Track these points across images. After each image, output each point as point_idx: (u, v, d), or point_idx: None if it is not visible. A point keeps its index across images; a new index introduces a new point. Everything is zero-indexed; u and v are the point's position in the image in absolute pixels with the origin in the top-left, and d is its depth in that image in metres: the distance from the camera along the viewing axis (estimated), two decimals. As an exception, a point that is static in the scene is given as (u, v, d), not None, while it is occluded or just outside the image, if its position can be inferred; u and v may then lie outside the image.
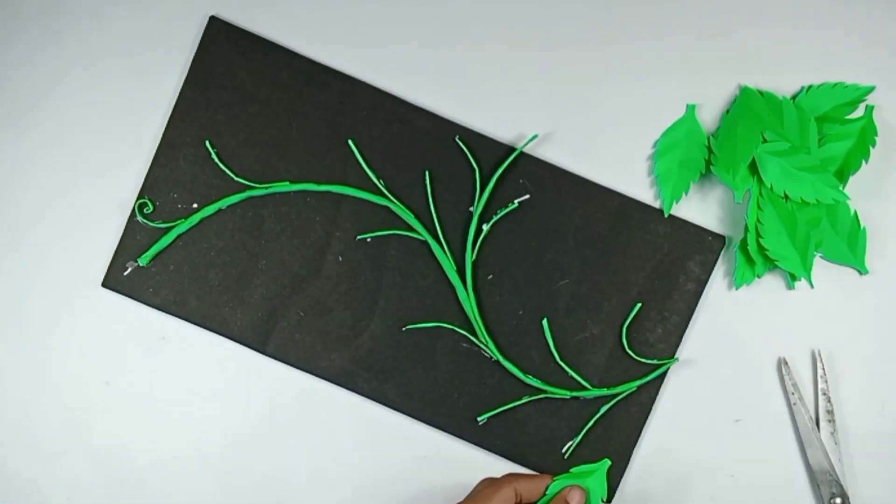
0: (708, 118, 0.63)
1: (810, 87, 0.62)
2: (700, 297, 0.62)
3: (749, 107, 0.61)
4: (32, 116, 0.63)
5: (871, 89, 0.62)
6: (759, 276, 0.62)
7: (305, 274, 0.62)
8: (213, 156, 0.62)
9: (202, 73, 0.62)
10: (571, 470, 0.58)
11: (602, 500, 0.58)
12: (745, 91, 0.62)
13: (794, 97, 0.62)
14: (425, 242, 0.62)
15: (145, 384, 0.63)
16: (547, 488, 0.56)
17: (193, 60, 0.62)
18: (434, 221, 0.62)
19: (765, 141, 0.60)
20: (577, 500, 0.56)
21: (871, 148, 0.61)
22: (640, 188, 0.63)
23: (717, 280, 0.63)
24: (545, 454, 0.62)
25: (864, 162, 0.61)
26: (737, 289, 0.62)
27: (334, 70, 0.62)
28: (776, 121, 0.60)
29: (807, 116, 0.60)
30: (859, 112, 0.62)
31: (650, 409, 0.62)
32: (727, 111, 0.63)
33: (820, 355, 0.62)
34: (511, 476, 0.56)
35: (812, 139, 0.60)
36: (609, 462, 0.58)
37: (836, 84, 0.62)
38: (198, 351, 0.63)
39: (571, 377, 0.62)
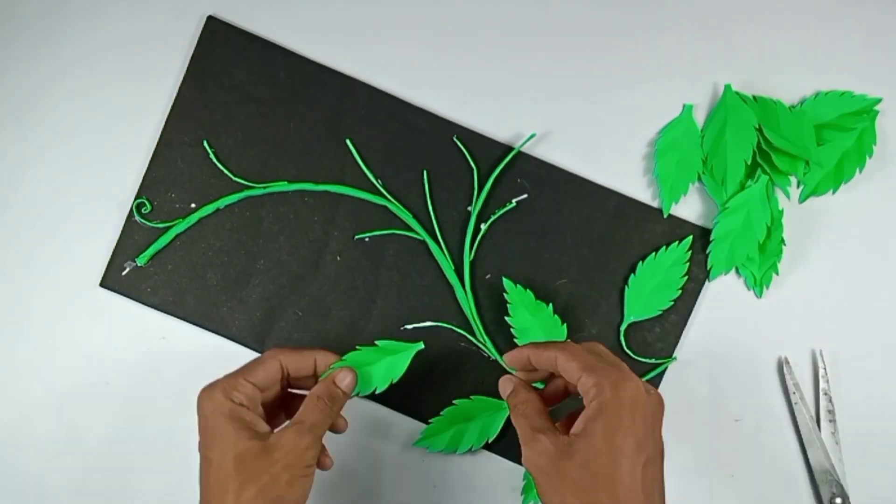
0: (706, 119, 0.63)
1: (818, 93, 0.62)
2: (698, 295, 0.62)
3: (738, 116, 0.61)
4: (31, 117, 0.63)
5: (877, 101, 0.62)
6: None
7: (304, 273, 0.62)
8: (211, 155, 0.62)
9: (200, 73, 0.62)
10: (378, 343, 0.56)
11: (392, 381, 0.56)
12: (730, 98, 0.61)
13: (801, 102, 0.62)
14: (423, 242, 0.62)
15: (145, 384, 0.63)
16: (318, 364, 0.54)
17: (191, 60, 0.62)
18: (432, 221, 0.62)
19: (759, 147, 0.60)
20: (346, 382, 0.54)
21: (867, 157, 0.61)
22: (637, 187, 0.63)
23: (716, 279, 0.62)
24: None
25: (858, 170, 0.62)
26: (760, 297, 0.62)
27: (332, 69, 0.62)
28: (773, 123, 0.60)
29: (807, 120, 0.61)
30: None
31: (648, 408, 0.62)
32: (710, 118, 0.62)
33: (821, 355, 0.62)
34: (275, 350, 0.53)
35: (811, 139, 0.60)
36: (422, 345, 0.56)
37: (843, 93, 0.62)
38: (197, 351, 0.63)
39: (570, 377, 0.62)
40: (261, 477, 0.49)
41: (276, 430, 0.51)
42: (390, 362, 0.56)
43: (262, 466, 0.49)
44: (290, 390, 0.56)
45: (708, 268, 0.62)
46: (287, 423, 0.52)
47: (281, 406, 0.55)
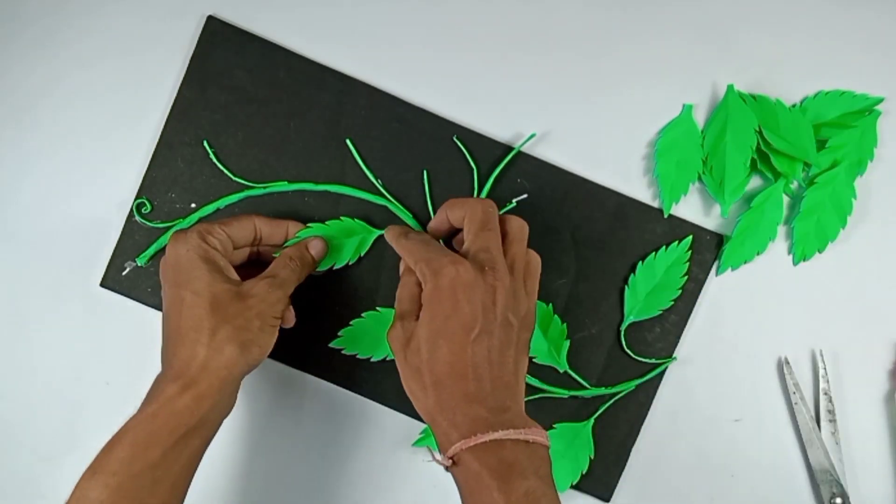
0: (705, 119, 0.63)
1: (818, 92, 0.62)
2: (698, 296, 0.62)
3: (739, 118, 0.61)
4: (31, 117, 0.63)
5: (879, 100, 0.62)
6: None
7: (304, 274, 0.62)
8: (211, 155, 0.62)
9: (200, 73, 0.62)
10: (343, 219, 0.61)
11: (360, 255, 0.61)
12: (733, 99, 0.61)
13: (802, 101, 0.62)
14: (423, 242, 0.62)
15: (145, 384, 0.63)
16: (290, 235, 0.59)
17: (191, 60, 0.62)
18: (432, 221, 0.62)
19: (759, 149, 0.60)
20: (317, 249, 0.59)
21: (868, 158, 0.61)
22: (637, 187, 0.63)
23: (716, 279, 0.63)
24: (544, 454, 0.62)
25: (858, 173, 0.62)
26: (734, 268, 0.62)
27: (332, 69, 0.62)
28: (772, 124, 0.60)
29: (806, 121, 0.61)
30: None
31: (648, 408, 0.62)
32: (711, 118, 0.62)
33: (821, 355, 0.62)
34: (250, 213, 0.59)
35: (810, 141, 0.60)
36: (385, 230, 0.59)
37: (844, 92, 0.62)
38: (197, 351, 0.63)
39: (570, 376, 0.62)
40: (235, 319, 0.52)
41: (245, 282, 0.54)
42: (360, 240, 0.61)
43: (237, 310, 0.52)
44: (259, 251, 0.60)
45: (719, 262, 0.62)
46: (256, 278, 0.55)
47: (245, 275, 0.56)
